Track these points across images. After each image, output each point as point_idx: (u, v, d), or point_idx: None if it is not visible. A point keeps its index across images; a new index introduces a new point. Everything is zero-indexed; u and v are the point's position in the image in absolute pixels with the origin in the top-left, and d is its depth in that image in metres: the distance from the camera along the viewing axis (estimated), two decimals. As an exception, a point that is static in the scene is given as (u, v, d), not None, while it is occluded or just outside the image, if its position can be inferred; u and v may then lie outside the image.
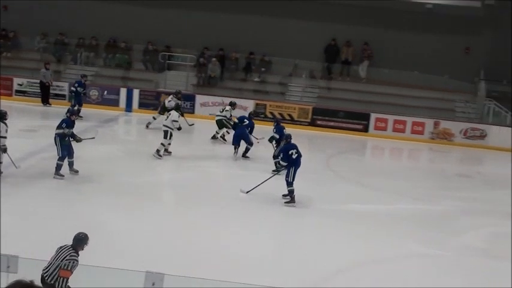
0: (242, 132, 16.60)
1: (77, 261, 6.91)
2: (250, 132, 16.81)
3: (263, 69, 24.72)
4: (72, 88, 20.79)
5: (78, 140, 13.19)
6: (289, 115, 22.43)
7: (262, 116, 22.06)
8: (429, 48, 23.95)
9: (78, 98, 20.49)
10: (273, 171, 14.50)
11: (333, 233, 11.59)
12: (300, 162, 12.77)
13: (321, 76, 24.85)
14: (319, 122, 22.35)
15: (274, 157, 14.99)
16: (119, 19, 24.80)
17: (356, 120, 22.37)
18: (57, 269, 6.80)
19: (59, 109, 19.29)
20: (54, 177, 12.97)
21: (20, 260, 6.26)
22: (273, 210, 12.56)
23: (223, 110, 18.24)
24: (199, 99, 22.74)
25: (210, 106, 22.18)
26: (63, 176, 13.03)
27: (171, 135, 15.47)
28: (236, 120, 17.35)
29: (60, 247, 7.12)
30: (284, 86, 24.39)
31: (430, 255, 11.02)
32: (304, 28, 24.46)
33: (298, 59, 24.44)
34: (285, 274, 9.39)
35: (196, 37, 24.49)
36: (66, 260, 6.87)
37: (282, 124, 16.17)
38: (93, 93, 22.71)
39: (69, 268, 6.77)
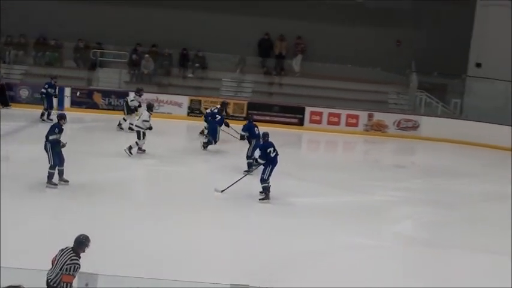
0: (213, 128, 16.94)
1: (79, 264, 6.93)
2: (220, 125, 17.20)
3: (197, 64, 24.50)
4: (43, 90, 20.00)
5: (63, 146, 12.71)
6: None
7: (197, 112, 21.82)
8: (361, 41, 24.20)
9: (48, 100, 19.88)
10: (245, 171, 14.49)
11: (272, 228, 11.56)
12: (277, 160, 12.84)
13: (255, 71, 24.76)
14: (254, 117, 22.15)
15: (248, 157, 15.05)
16: (48, 16, 24.07)
17: (291, 114, 22.44)
18: (60, 273, 6.84)
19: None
20: (46, 186, 12.60)
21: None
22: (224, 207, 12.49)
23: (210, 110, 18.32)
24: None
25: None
26: (56, 184, 12.68)
27: (143, 135, 15.78)
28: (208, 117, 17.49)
29: (62, 249, 7.11)
30: (218, 81, 24.23)
31: (367, 246, 11.09)
32: (237, 23, 24.34)
33: (232, 53, 24.31)
34: (219, 271, 9.29)
35: (128, 33, 24.00)
36: (67, 264, 6.88)
37: (254, 122, 16.10)
38: (23, 92, 22.01)
39: (71, 272, 6.84)
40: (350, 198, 14.00)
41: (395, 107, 23.79)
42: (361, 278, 9.51)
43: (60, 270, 6.84)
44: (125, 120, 19.10)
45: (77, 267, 6.87)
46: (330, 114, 22.06)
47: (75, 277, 6.87)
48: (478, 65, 24.33)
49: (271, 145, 12.81)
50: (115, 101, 22.06)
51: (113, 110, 21.88)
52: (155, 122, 16.43)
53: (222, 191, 13.02)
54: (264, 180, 12.69)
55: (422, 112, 23.36)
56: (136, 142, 15.80)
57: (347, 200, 13.91)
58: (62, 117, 12.91)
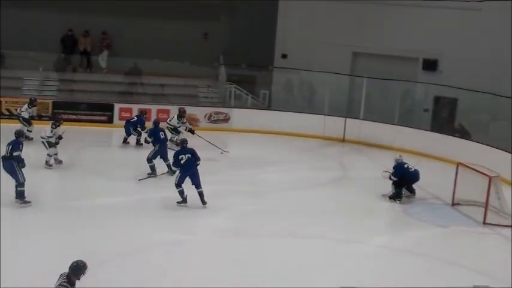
0: (126, 127, 18.59)
1: None
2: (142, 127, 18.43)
3: (-6, 63, 22.94)
4: None
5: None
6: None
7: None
8: (169, 35, 24.04)
9: None
10: (148, 174, 15.16)
11: (86, 229, 11.40)
12: (190, 167, 13.03)
13: (59, 68, 23.72)
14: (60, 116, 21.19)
15: (148, 160, 15.34)
16: None
17: (99, 111, 21.74)
18: None
19: None
20: (20, 206, 12.32)
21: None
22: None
23: (171, 119, 18.86)
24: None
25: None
26: (29, 202, 12.40)
27: (50, 144, 15.62)
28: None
29: (61, 274, 7.21)
30: (20, 80, 22.81)
31: (182, 241, 11.21)
32: (38, 19, 23.15)
33: (33, 51, 22.96)
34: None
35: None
36: None
37: (159, 126, 16.21)
38: None
39: None
40: (161, 195, 13.82)
41: (206, 101, 23.97)
42: (179, 275, 9.67)
43: None
44: (30, 132, 17.90)
45: None
46: (140, 110, 21.55)
47: None
48: (284, 56, 25.25)
49: (187, 152, 13.16)
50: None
51: None
52: None
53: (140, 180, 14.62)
54: (177, 185, 13.02)
55: (232, 104, 23.75)
56: (48, 154, 15.61)
57: (158, 197, 13.77)
58: (20, 135, 12.80)
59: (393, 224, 14.16)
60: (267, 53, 24.89)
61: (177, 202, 13.08)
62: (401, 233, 13.45)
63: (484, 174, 13.84)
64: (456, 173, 14.64)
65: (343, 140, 21.58)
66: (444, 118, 22.36)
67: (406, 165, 14.78)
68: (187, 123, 19.09)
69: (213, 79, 24.64)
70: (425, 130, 20.92)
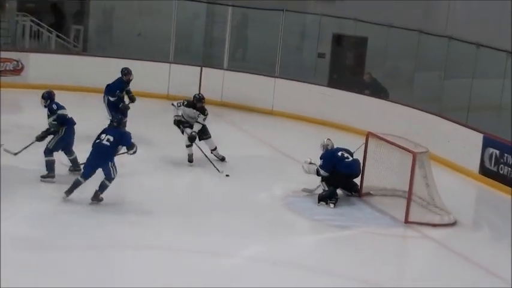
0: None
1: None
2: None
3: None
4: None
5: None
6: None
7: None
8: None
9: None
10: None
11: None
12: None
13: None
14: None
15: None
16: None
17: None
18: None
19: None
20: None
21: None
22: None
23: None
24: None
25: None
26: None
27: None
28: None
29: None
30: None
31: None
32: None
33: None
34: None
35: None
36: None
37: None
38: None
39: None
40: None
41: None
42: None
43: None
44: None
45: None
46: None
47: None
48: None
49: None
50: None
51: None
52: None
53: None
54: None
55: (27, 47, 23.74)
56: None
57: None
58: None
59: (271, 227, 13.76)
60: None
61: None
62: (282, 239, 13.14)
63: (405, 149, 13.89)
64: (365, 148, 14.78)
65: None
66: (348, 67, 22.72)
67: (340, 154, 14.59)
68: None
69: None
70: (319, 85, 21.21)
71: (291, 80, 21.25)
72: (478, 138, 16.88)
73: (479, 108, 18.46)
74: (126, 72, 17.71)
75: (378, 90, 20.52)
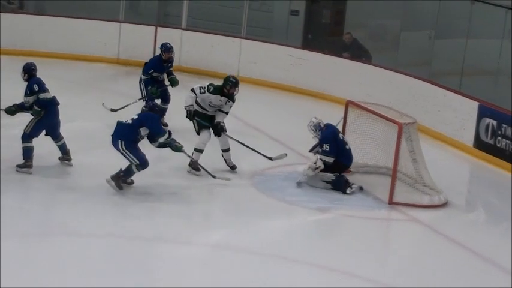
0: None
1: None
2: None
3: None
4: None
5: None
6: None
7: None
8: None
9: None
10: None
11: None
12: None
13: None
14: None
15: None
16: None
17: None
18: None
19: None
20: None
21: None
22: None
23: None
24: None
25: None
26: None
27: None
28: None
29: None
30: None
31: None
32: None
33: None
34: None
35: None
36: None
37: None
38: None
39: None
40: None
41: None
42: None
43: None
44: None
45: None
46: None
47: None
48: None
49: None
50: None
51: None
52: None
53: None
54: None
55: None
56: None
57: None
58: None
59: (238, 211, 13.87)
60: None
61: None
62: (250, 224, 13.20)
63: (390, 120, 13.92)
64: (344, 120, 14.86)
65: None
66: (325, 26, 22.64)
67: (341, 138, 14.33)
68: None
69: None
70: (292, 47, 21.24)
71: (259, 41, 21.31)
72: (472, 106, 16.90)
73: (474, 72, 18.53)
74: (164, 48, 17.12)
75: (359, 53, 20.58)
